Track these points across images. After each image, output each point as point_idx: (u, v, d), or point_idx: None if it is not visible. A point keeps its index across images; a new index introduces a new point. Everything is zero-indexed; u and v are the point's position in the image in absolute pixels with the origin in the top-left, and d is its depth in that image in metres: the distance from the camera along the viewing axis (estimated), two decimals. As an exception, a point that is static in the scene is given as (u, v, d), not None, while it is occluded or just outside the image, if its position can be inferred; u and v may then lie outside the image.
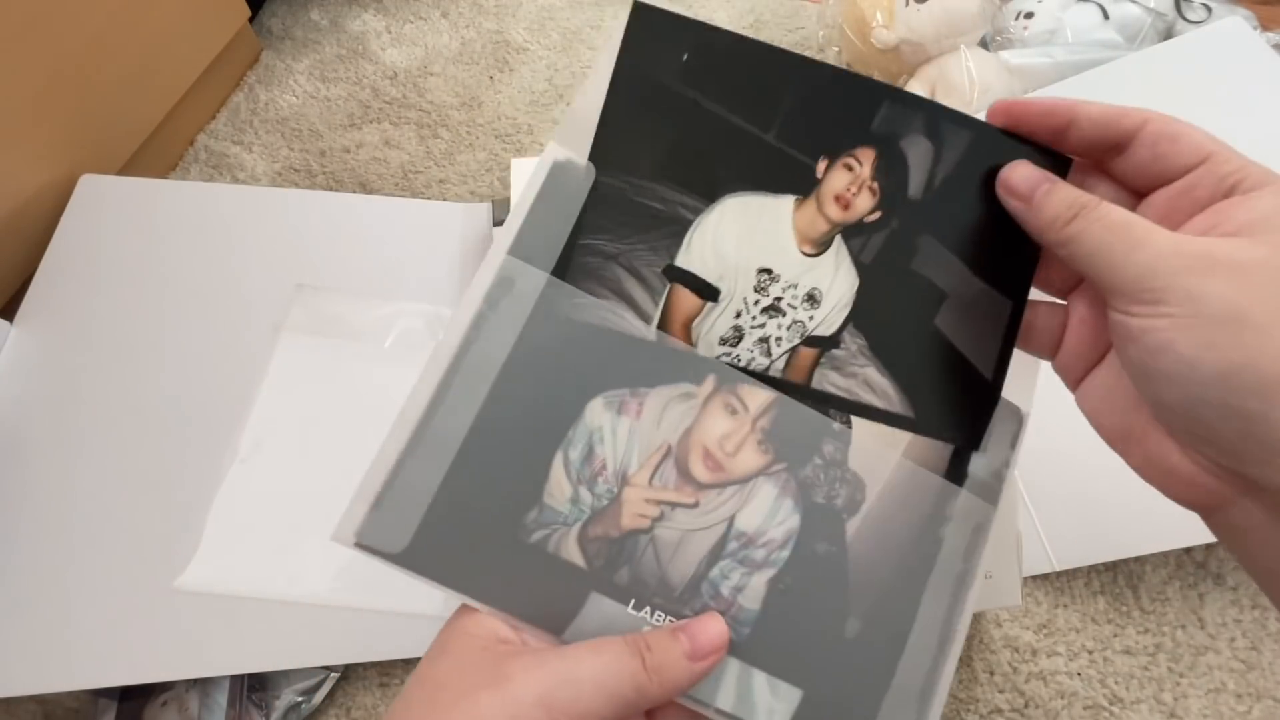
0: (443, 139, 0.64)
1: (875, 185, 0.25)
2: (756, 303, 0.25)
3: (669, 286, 0.25)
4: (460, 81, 0.68)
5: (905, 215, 0.26)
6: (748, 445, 0.25)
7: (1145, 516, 0.39)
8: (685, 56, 0.25)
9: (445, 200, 0.60)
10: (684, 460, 0.24)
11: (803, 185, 0.25)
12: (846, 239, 0.25)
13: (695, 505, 0.24)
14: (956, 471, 0.25)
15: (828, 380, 0.25)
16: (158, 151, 0.61)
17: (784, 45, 0.80)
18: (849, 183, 0.25)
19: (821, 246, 0.25)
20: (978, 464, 0.26)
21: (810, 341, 0.25)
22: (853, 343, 0.25)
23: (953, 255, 0.25)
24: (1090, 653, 0.40)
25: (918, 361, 0.25)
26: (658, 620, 0.23)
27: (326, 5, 0.75)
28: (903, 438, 0.25)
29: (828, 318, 0.25)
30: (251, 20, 0.69)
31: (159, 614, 0.39)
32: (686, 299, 0.25)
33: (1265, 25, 0.59)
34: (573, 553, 0.23)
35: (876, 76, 0.65)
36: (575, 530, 0.23)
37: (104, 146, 0.56)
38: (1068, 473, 0.41)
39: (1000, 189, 0.24)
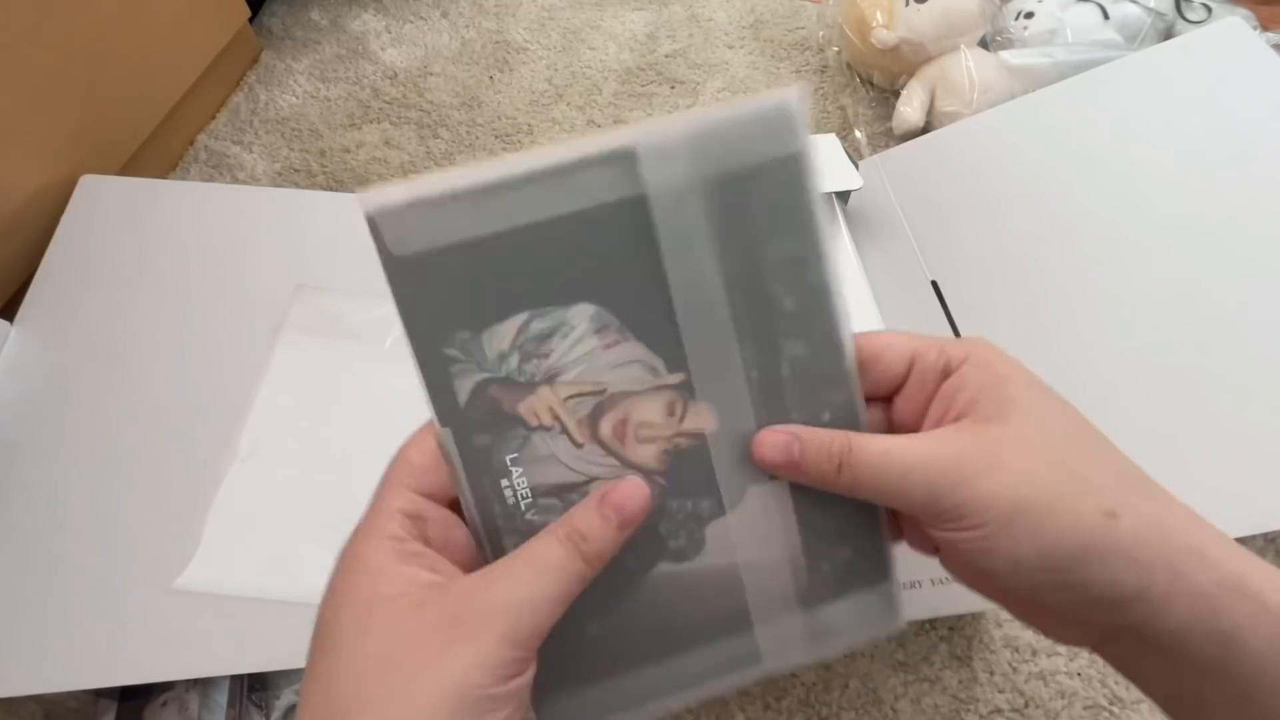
0: (443, 139, 0.64)
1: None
2: None
3: None
4: (460, 81, 0.68)
5: None
6: (654, 445, 0.25)
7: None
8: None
9: (445, 200, 0.60)
10: (601, 411, 0.25)
11: None
12: None
13: (580, 447, 0.24)
14: None
15: None
16: (158, 151, 0.61)
17: (784, 45, 0.80)
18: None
19: None
20: None
21: None
22: None
23: None
24: (1090, 653, 0.40)
25: None
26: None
27: (326, 5, 0.75)
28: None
29: None
30: (251, 20, 0.69)
31: (159, 614, 0.39)
32: None
33: (1265, 25, 0.59)
34: (462, 392, 0.24)
35: (876, 77, 0.65)
36: (479, 378, 0.24)
37: (104, 146, 0.56)
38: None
39: (763, 466, 0.25)
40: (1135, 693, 0.39)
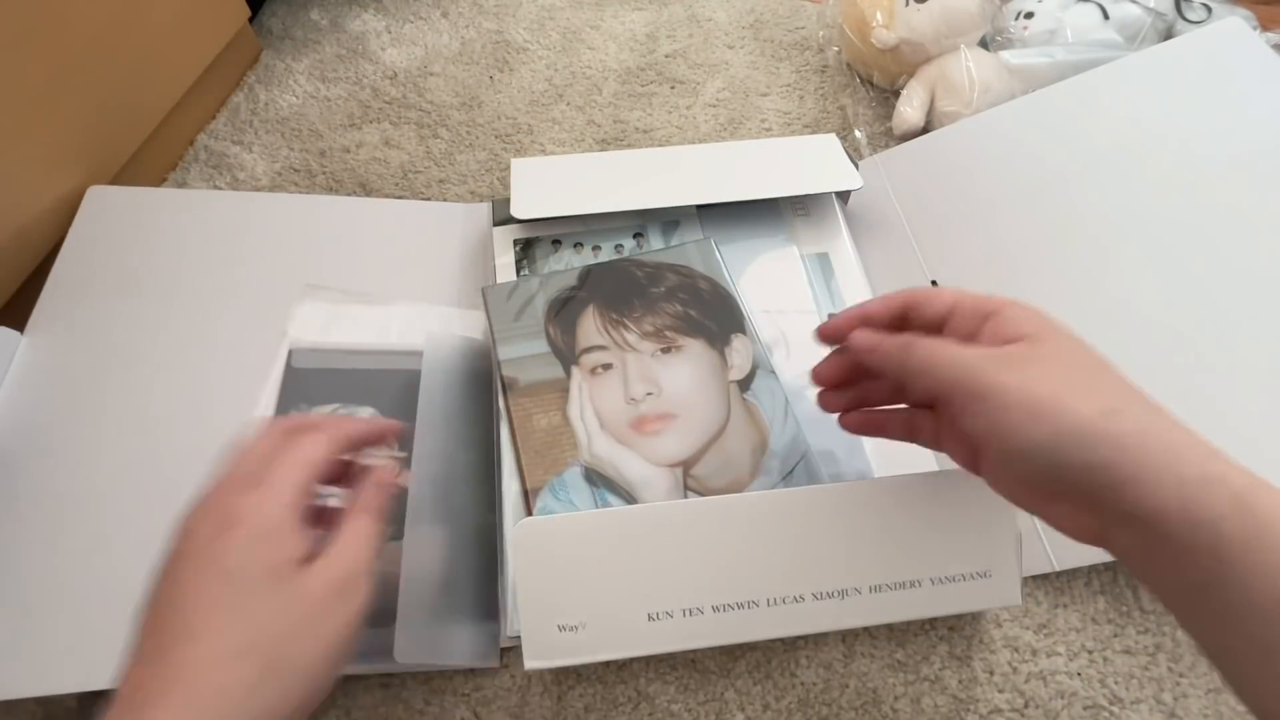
0: (443, 139, 0.64)
1: None
2: None
3: None
4: (460, 81, 0.68)
5: None
6: None
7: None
8: None
9: (445, 200, 0.60)
10: None
11: None
12: None
13: None
14: None
15: None
16: (158, 151, 0.61)
17: (784, 45, 0.81)
18: None
19: None
20: None
21: None
22: None
23: None
24: (1090, 653, 0.40)
25: None
26: None
27: (326, 5, 0.75)
28: None
29: None
30: (251, 20, 0.69)
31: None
32: None
33: (1265, 25, 0.59)
34: None
35: (876, 77, 0.65)
36: None
37: (104, 146, 0.56)
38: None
39: (855, 346, 0.32)
40: (1135, 692, 0.39)
